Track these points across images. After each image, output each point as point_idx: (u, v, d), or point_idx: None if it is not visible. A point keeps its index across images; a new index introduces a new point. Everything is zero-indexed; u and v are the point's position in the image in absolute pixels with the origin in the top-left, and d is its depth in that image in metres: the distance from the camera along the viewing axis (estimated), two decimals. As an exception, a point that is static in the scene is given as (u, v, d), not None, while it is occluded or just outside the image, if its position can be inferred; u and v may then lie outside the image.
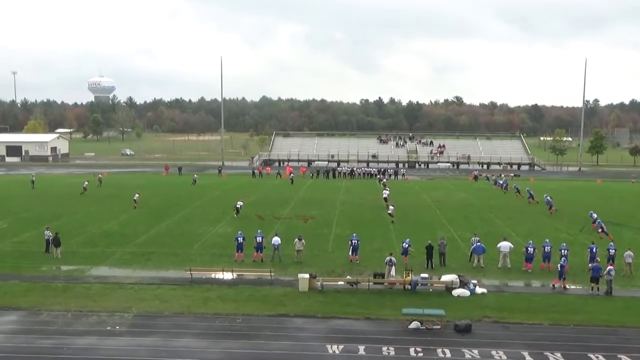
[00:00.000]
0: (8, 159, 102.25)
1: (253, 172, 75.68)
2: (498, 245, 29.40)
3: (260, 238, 29.98)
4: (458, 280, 25.09)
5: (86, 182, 57.84)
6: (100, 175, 64.99)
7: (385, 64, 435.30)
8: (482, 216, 43.91)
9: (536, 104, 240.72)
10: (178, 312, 22.01)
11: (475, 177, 71.82)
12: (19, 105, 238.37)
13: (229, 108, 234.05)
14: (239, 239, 29.91)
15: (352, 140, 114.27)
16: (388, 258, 26.61)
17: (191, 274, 26.27)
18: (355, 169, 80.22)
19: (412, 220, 42.33)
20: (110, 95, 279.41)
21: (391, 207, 43.45)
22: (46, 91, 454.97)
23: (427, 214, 45.34)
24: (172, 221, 41.38)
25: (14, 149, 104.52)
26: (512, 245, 29.46)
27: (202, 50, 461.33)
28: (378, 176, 73.60)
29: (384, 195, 51.74)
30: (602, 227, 36.50)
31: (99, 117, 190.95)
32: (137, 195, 49.36)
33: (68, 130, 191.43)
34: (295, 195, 56.08)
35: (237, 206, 44.78)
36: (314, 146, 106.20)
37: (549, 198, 47.53)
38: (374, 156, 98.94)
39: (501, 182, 63.41)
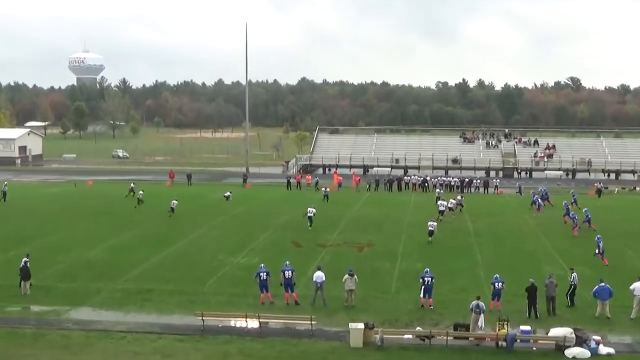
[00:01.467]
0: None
1: (288, 182, 75.22)
2: (632, 287, 28.27)
3: (289, 272, 29.73)
4: (573, 335, 24.33)
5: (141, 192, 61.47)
6: (132, 185, 66.17)
7: (468, 32, 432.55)
8: (607, 245, 41.34)
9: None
10: (185, 372, 22.27)
11: (599, 191, 69.89)
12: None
13: (256, 94, 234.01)
14: (261, 274, 29.77)
15: (424, 138, 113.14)
16: (475, 303, 25.98)
17: (203, 320, 26.09)
18: (429, 178, 79.03)
19: (509, 250, 41.43)
20: (98, 77, 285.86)
21: (433, 223, 44.50)
22: (14, 71, 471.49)
23: (529, 241, 44.43)
24: (178, 248, 41.26)
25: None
26: (653, 288, 29.24)
27: (217, 17, 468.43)
28: (438, 190, 68.06)
29: (441, 208, 52.76)
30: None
31: (83, 106, 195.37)
32: (174, 202, 54.14)
33: (42, 123, 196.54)
34: (345, 213, 55.51)
35: (310, 214, 48.07)
36: (372, 146, 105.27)
37: (586, 214, 47.95)
38: (455, 161, 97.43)
39: (537, 196, 60.13)
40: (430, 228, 43.96)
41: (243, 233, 46.35)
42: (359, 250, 41.10)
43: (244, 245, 42.19)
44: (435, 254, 39.71)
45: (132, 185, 66.16)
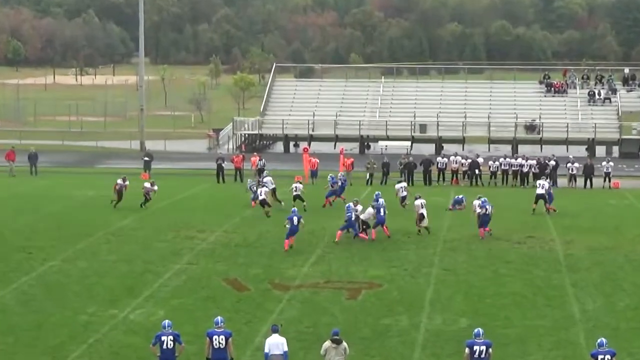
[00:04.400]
0: None
1: (220, 168, 66.01)
2: None
3: (221, 338, 26.92)
4: None
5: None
6: (148, 187, 56.18)
7: None
8: None
9: None
10: None
11: None
12: None
13: (160, 6, 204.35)
14: (163, 339, 26.46)
15: (472, 86, 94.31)
16: (567, 392, 23.46)
17: None
18: (481, 160, 65.66)
19: (630, 296, 36.31)
20: None
21: (403, 185, 49.21)
22: None
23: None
24: (14, 291, 36.43)
25: None
26: None
27: None
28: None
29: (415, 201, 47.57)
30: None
31: None
32: (122, 181, 52.64)
33: None
34: (326, 226, 47.16)
35: (296, 192, 51.42)
36: (375, 101, 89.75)
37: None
38: (530, 127, 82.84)
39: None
40: (401, 193, 46.82)
41: (135, 265, 39.86)
42: (351, 296, 35.37)
43: (136, 287, 36.39)
44: (493, 302, 33.77)
45: (149, 187, 55.95)
